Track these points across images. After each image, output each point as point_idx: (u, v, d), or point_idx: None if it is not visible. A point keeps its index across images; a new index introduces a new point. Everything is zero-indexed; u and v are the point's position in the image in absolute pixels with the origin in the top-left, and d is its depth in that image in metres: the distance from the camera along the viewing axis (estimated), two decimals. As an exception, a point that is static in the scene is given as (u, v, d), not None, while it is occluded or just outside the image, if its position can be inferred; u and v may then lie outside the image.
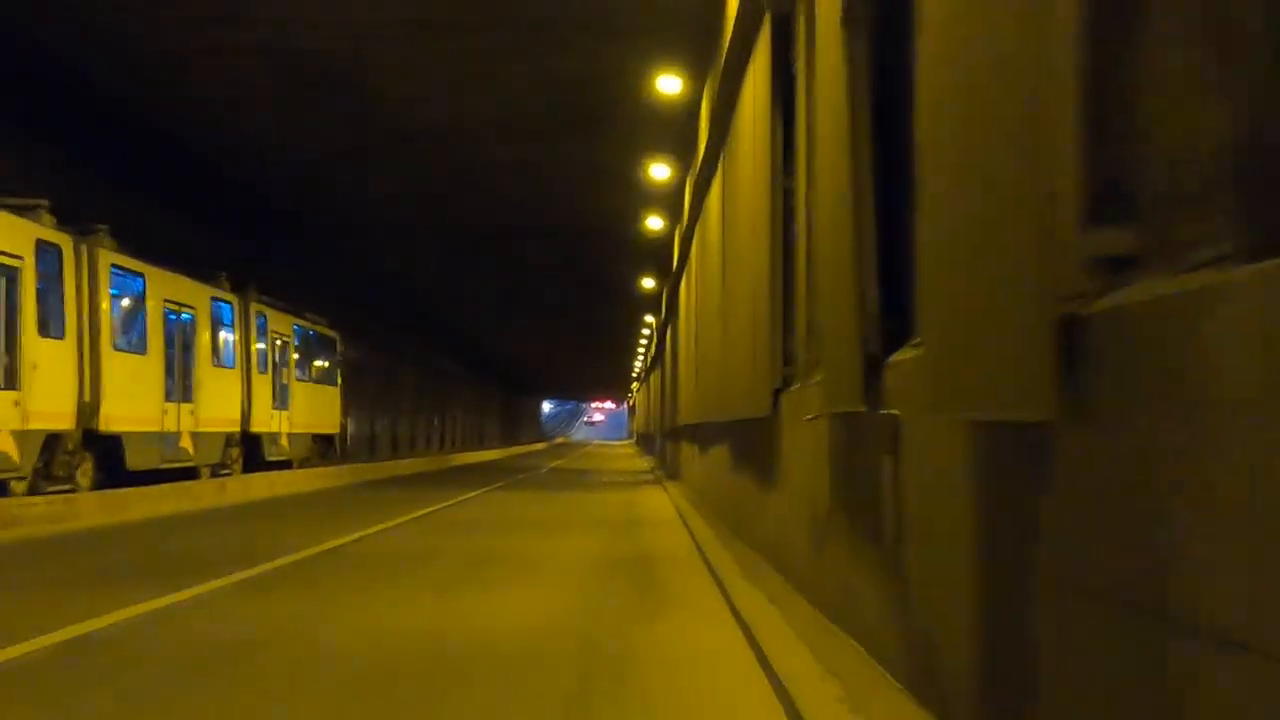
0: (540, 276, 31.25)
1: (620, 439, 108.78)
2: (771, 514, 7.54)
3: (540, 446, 75.50)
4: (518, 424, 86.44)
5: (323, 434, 25.12)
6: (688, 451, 19.71)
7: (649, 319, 37.82)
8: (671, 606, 6.63)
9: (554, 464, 39.36)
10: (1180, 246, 1.91)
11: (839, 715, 3.51)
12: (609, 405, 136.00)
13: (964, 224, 2.91)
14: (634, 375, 67.71)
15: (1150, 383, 1.96)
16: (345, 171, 20.00)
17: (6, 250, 12.19)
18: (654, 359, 40.37)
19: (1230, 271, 1.70)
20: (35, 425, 12.66)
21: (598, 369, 69.75)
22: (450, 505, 15.97)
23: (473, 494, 18.80)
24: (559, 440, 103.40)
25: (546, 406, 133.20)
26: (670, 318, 26.62)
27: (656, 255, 26.03)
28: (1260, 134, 1.70)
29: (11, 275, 12.29)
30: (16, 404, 12.24)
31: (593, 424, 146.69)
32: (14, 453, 12.25)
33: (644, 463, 38.89)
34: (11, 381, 12.20)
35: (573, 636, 5.52)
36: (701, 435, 15.60)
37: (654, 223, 22.74)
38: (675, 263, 22.28)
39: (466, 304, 38.69)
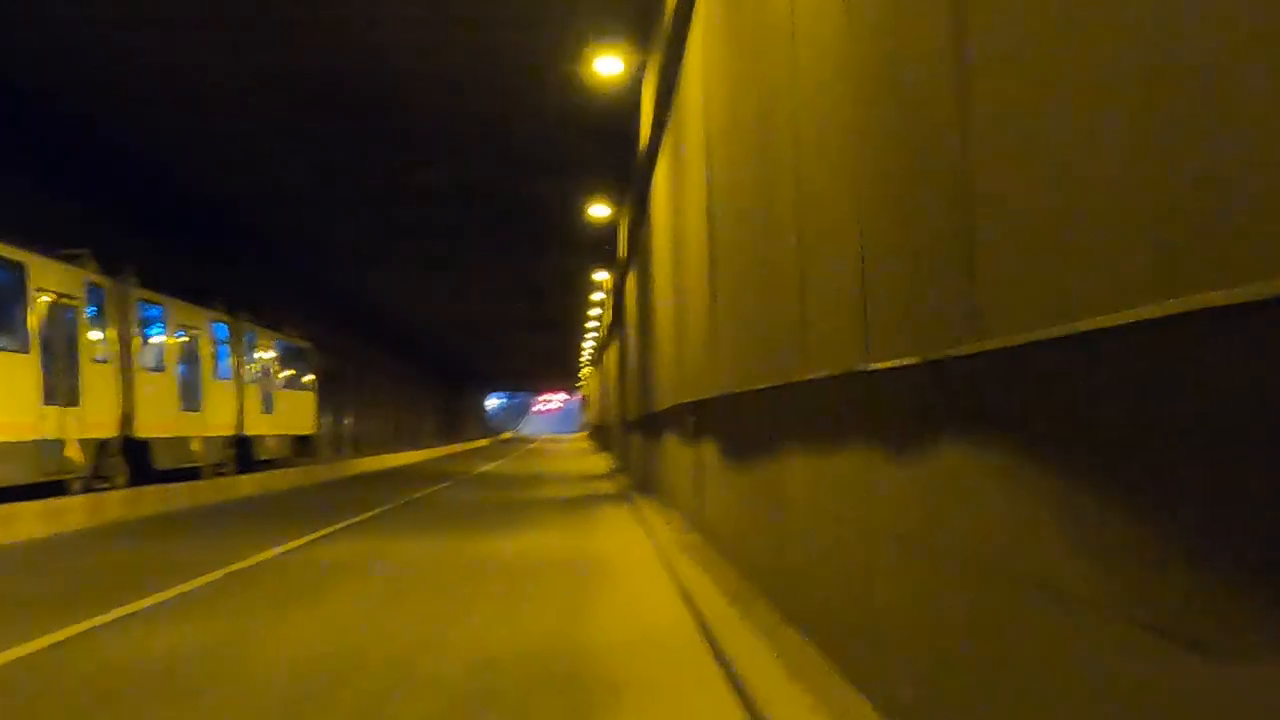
0: (464, 243, 27.57)
1: (572, 432, 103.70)
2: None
3: (482, 443, 69.51)
4: (460, 419, 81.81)
5: (301, 435, 28.23)
6: (676, 453, 11.71)
7: (601, 278, 29.76)
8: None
9: (487, 467, 32.39)
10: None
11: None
12: (560, 397, 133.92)
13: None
14: (584, 359, 61.44)
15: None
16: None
17: (67, 293, 15.30)
18: (610, 326, 32.73)
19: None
20: (92, 434, 15.81)
21: (544, 355, 63.81)
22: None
23: (289, 547, 10.75)
24: (505, 435, 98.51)
25: (495, 401, 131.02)
26: (635, 262, 19.41)
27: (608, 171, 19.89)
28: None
29: (71, 313, 15.41)
30: (78, 418, 15.36)
31: (544, 414, 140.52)
32: (78, 457, 15.38)
33: (600, 462, 32.81)
34: (74, 399, 15.32)
35: None
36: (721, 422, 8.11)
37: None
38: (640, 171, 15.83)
39: (387, 283, 34.77)
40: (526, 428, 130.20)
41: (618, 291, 25.90)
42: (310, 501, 18.93)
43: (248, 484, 21.02)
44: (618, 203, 21.16)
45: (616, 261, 24.97)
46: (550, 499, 17.69)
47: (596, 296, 33.92)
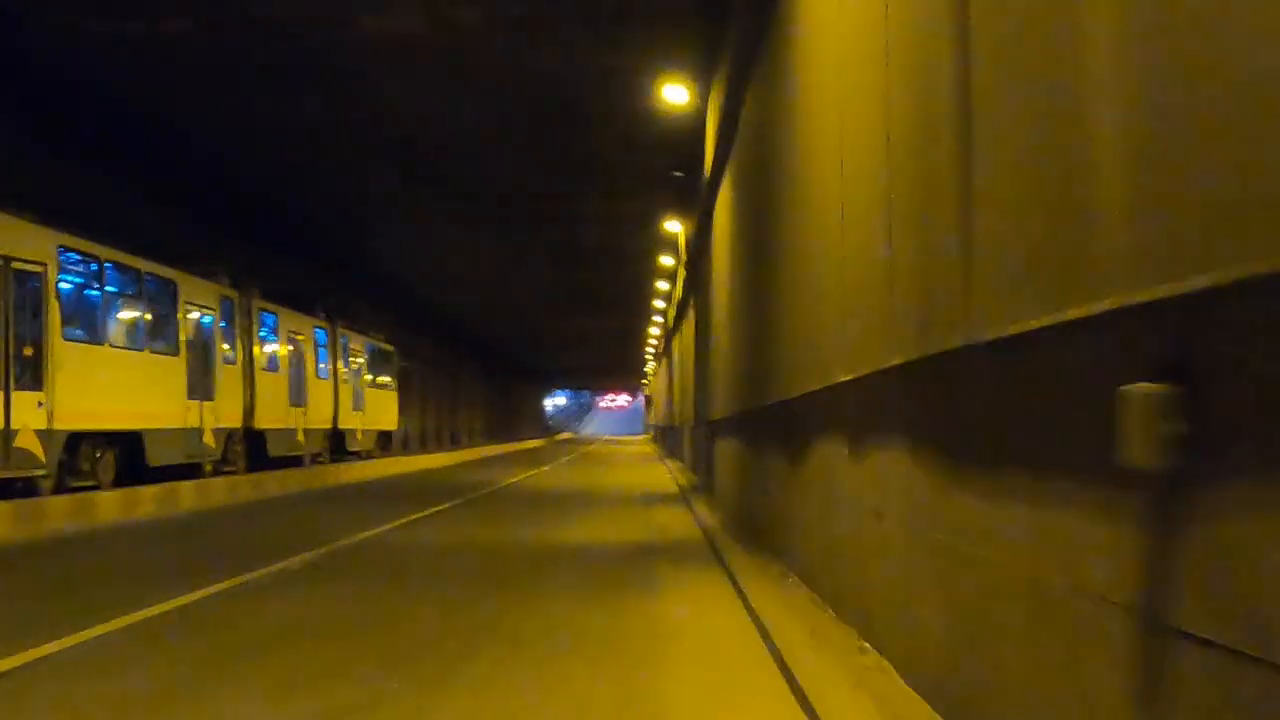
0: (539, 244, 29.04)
1: (636, 434, 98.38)
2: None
3: (535, 444, 61.64)
4: (514, 417, 77.28)
5: (385, 430, 31.35)
6: (839, 477, 5.75)
7: (673, 229, 24.52)
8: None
9: (522, 476, 25.87)
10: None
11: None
12: (624, 399, 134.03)
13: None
14: (649, 353, 57.61)
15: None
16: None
17: (206, 304, 18.37)
18: (684, 293, 27.02)
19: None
20: (222, 425, 18.88)
21: (605, 345, 60.20)
22: None
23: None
24: (563, 436, 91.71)
25: (559, 400, 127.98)
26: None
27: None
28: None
29: (209, 321, 18.48)
30: (213, 411, 18.42)
31: (610, 411, 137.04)
32: (212, 444, 18.45)
33: (665, 473, 26.71)
34: (210, 395, 18.37)
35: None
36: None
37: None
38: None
39: (449, 278, 35.78)
40: (587, 428, 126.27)
41: (699, 236, 19.63)
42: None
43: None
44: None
45: (699, 195, 18.00)
46: (587, 550, 10.53)
47: (666, 262, 29.24)
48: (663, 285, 33.81)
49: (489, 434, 61.03)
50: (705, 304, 18.94)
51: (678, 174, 20.73)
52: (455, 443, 49.86)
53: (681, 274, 26.97)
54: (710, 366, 17.73)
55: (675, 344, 35.62)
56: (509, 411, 75.07)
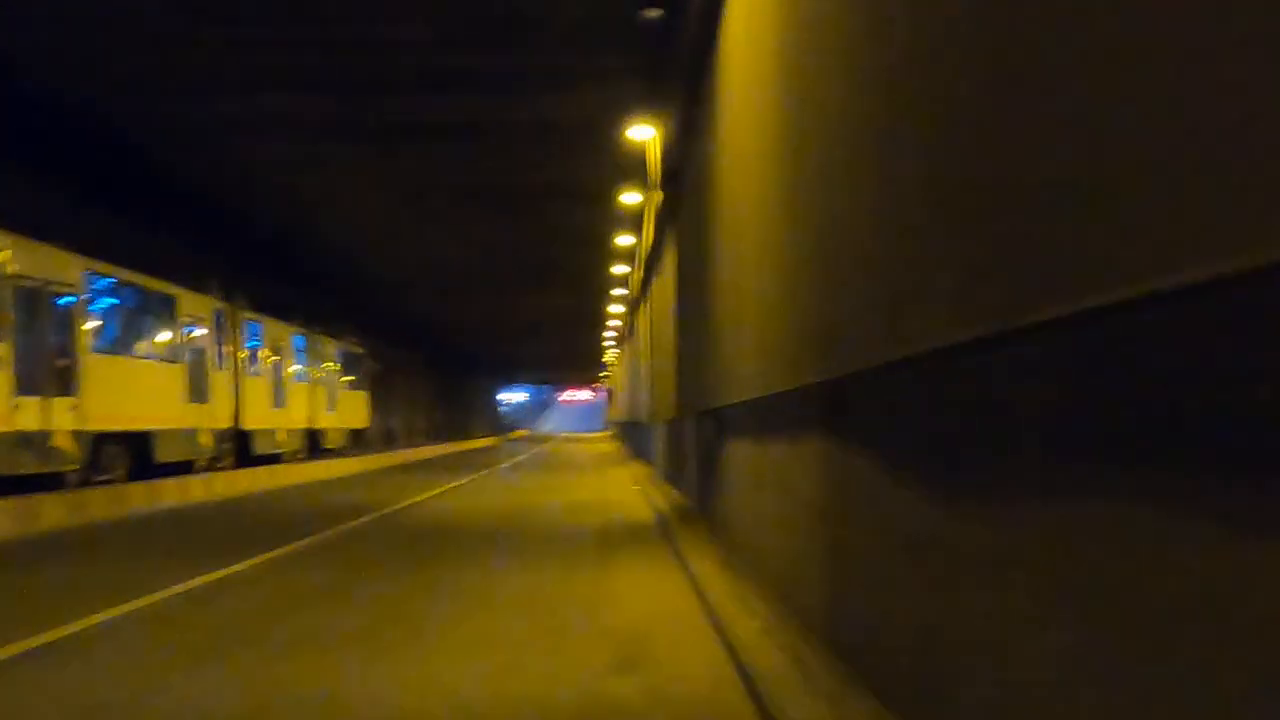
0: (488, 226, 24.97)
1: (596, 430, 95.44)
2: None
3: (485, 443, 59.15)
4: (464, 415, 71.30)
5: (357, 428, 33.64)
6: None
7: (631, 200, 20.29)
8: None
9: (444, 489, 20.65)
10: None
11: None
12: (584, 394, 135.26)
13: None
14: (610, 341, 51.79)
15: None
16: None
17: (201, 316, 20.63)
18: (656, 240, 20.28)
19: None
20: (216, 426, 21.16)
21: (561, 331, 52.74)
22: None
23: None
24: (518, 434, 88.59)
25: (519, 396, 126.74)
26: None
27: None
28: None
29: (203, 331, 20.75)
30: (208, 413, 20.70)
31: (569, 406, 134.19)
32: (208, 443, 20.73)
33: (631, 482, 21.24)
34: (205, 398, 20.63)
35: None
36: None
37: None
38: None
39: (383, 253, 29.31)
40: (545, 425, 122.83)
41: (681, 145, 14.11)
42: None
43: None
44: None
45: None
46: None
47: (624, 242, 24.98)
48: (625, 240, 24.92)
49: (434, 433, 55.90)
50: (699, 241, 11.36)
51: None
52: (390, 443, 42.95)
53: (652, 210, 18.83)
54: (711, 326, 10.32)
55: (642, 317, 27.78)
56: (459, 408, 69.05)
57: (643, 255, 24.03)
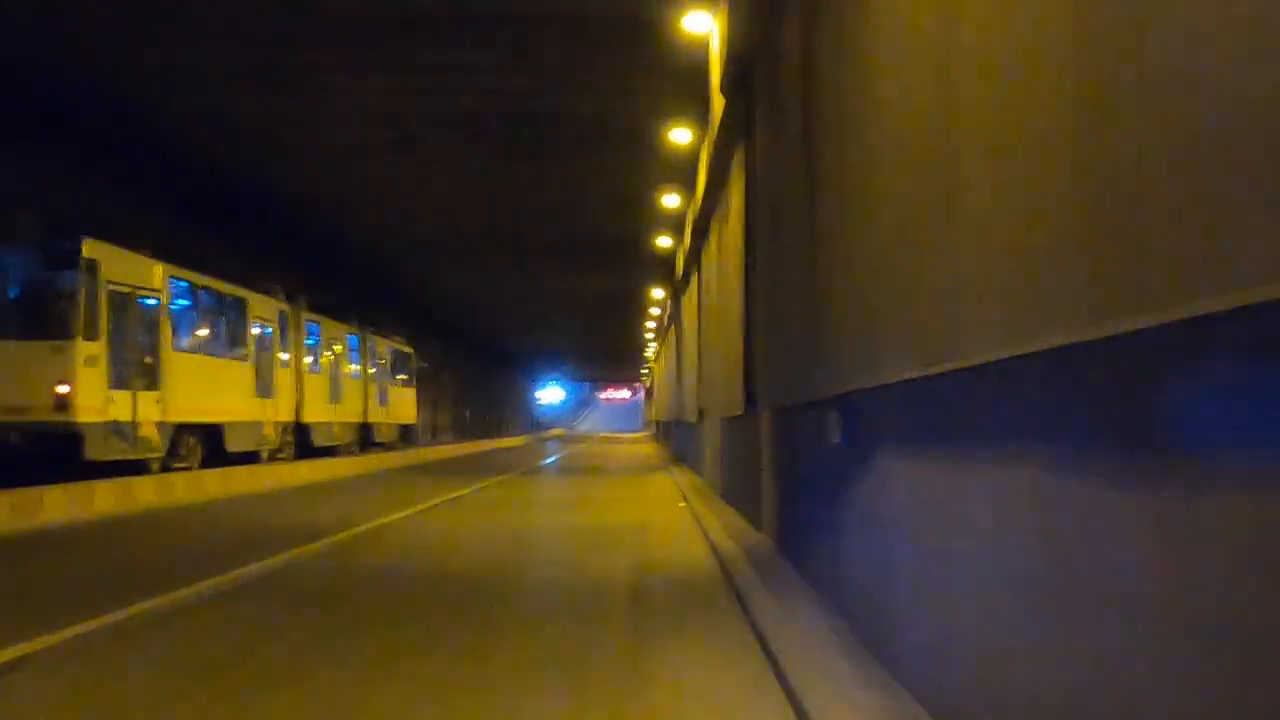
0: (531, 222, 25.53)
1: (633, 431, 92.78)
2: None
3: (514, 443, 54.08)
4: (497, 411, 67.76)
5: (405, 424, 35.35)
6: None
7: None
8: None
9: (425, 508, 15.39)
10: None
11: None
12: (624, 393, 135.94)
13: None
14: (650, 333, 49.15)
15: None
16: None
17: (267, 317, 22.30)
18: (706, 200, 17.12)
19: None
20: (280, 419, 22.82)
21: (605, 336, 53.47)
22: None
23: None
24: (553, 433, 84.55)
25: (558, 393, 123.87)
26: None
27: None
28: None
29: (270, 331, 22.41)
30: (273, 407, 22.36)
31: (612, 404, 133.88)
32: (272, 434, 22.39)
33: (679, 503, 15.39)
34: (270, 394, 22.30)
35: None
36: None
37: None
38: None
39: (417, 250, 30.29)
40: (583, 424, 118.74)
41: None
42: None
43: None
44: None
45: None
46: None
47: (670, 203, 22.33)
48: (671, 201, 22.32)
49: (460, 431, 52.56)
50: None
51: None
52: (410, 441, 37.35)
53: (711, 135, 14.95)
54: (841, 260, 6.05)
55: (689, 298, 24.83)
56: (489, 404, 64.22)
57: (692, 215, 20.04)
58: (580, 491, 20.38)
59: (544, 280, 35.84)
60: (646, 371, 69.30)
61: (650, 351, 55.58)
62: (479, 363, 59.49)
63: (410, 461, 30.74)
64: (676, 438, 32.37)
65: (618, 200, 23.66)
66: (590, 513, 14.90)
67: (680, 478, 20.85)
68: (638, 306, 42.04)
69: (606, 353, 69.23)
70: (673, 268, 28.86)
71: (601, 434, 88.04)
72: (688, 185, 20.60)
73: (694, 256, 22.02)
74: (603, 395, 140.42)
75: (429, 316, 42.78)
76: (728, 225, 14.26)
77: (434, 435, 46.37)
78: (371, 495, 18.09)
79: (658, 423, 53.12)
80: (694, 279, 22.34)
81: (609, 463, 32.29)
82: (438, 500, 16.59)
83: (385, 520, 13.25)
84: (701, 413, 19.85)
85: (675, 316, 31.77)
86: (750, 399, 11.12)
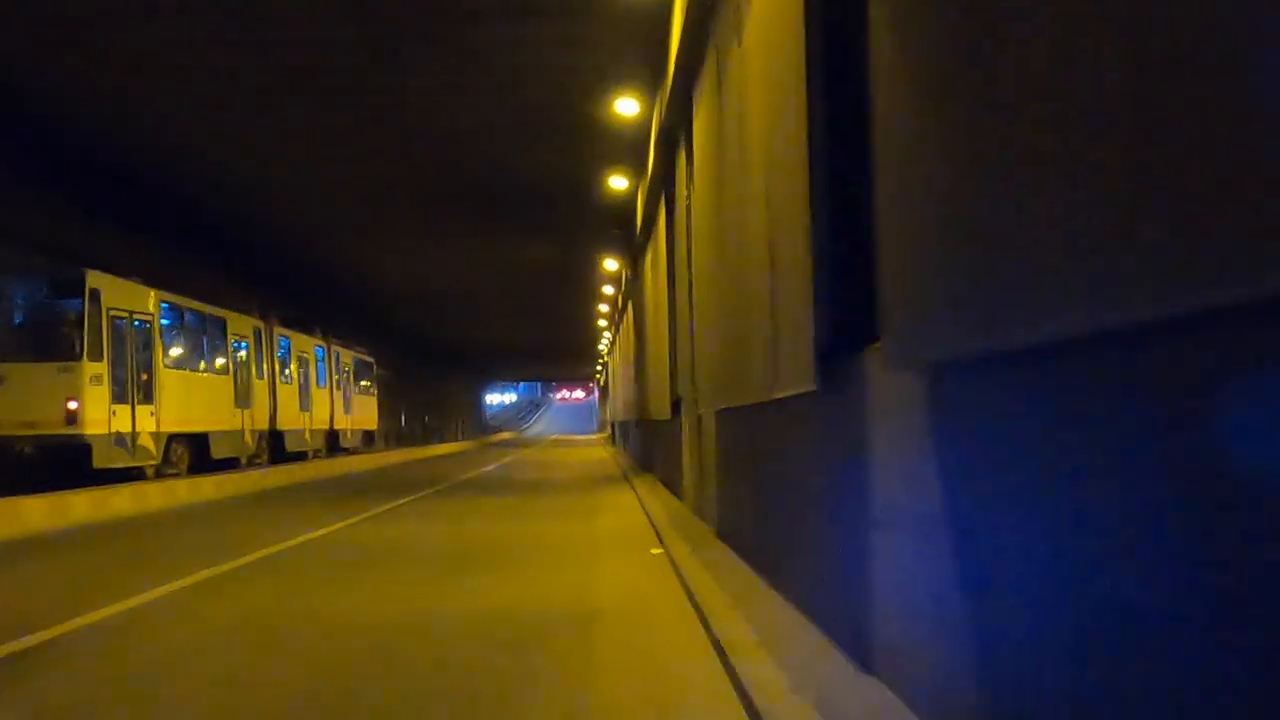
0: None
1: (587, 433, 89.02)
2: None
3: (455, 449, 50.57)
4: (441, 413, 64.16)
5: (368, 429, 37.31)
6: None
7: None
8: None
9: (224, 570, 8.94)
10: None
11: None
12: (578, 394, 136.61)
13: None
14: (604, 322, 42.57)
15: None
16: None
17: (244, 334, 24.27)
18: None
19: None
20: (256, 427, 24.80)
21: (555, 327, 48.72)
22: None
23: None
24: (500, 436, 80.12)
25: (510, 396, 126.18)
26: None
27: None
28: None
29: (246, 347, 24.39)
30: (251, 417, 24.33)
31: (566, 404, 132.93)
32: (251, 442, 24.37)
33: (642, 528, 11.28)
34: (248, 404, 24.26)
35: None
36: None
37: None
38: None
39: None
40: (535, 426, 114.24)
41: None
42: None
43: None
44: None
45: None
46: None
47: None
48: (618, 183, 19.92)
49: (395, 437, 49.33)
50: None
51: None
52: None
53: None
54: None
55: (649, 262, 19.06)
56: (431, 408, 60.81)
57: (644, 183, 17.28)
58: (503, 525, 13.20)
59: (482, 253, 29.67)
60: (601, 369, 65.08)
61: (604, 343, 50.46)
62: (418, 365, 55.06)
63: (308, 476, 25.28)
64: (639, 441, 26.64)
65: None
66: (503, 579, 8.39)
67: (647, 496, 15.07)
68: (587, 284, 34.54)
69: (558, 350, 64.37)
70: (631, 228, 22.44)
71: (552, 436, 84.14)
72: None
73: (648, 226, 18.71)
74: (557, 396, 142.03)
75: (362, 318, 39.08)
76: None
77: (386, 441, 43.94)
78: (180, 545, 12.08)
79: (614, 424, 48.43)
80: (660, 215, 16.69)
81: (557, 473, 26.33)
82: (274, 549, 10.37)
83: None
84: (678, 405, 13.50)
85: (634, 289, 24.83)
86: (831, 355, 4.64)
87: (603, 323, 42.77)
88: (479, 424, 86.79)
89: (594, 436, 75.13)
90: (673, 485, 14.54)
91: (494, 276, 33.80)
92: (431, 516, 14.51)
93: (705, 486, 10.48)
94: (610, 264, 28.45)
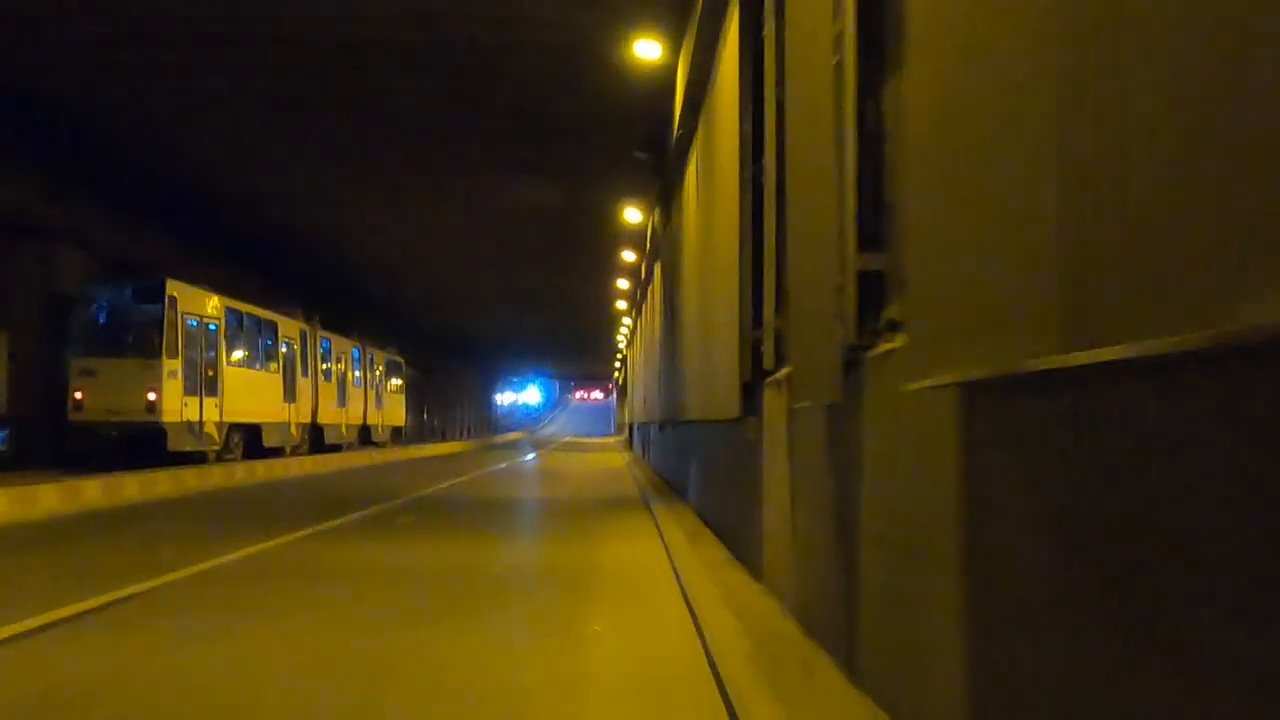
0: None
1: (603, 435, 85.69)
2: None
3: (452, 449, 46.18)
4: (445, 413, 60.99)
5: (396, 426, 40.19)
6: None
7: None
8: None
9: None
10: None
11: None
12: (597, 394, 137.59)
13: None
14: (624, 303, 35.82)
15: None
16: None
17: (291, 336, 27.11)
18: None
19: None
20: (300, 420, 27.64)
21: (570, 325, 46.91)
22: None
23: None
24: (508, 437, 75.88)
25: (528, 395, 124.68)
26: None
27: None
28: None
29: (292, 347, 27.22)
30: (295, 410, 27.16)
31: (584, 404, 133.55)
32: (296, 433, 27.20)
33: (689, 648, 5.28)
34: (294, 399, 27.08)
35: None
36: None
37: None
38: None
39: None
40: (550, 426, 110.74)
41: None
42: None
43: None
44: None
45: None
46: None
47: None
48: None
49: (418, 433, 48.67)
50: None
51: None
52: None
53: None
54: None
55: (691, 170, 13.03)
56: (435, 406, 57.35)
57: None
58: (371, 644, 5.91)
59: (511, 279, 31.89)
60: (620, 364, 59.21)
61: (622, 333, 45.75)
62: (422, 360, 49.12)
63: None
64: (664, 451, 19.30)
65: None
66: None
67: (682, 552, 9.08)
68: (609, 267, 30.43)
69: (575, 350, 62.29)
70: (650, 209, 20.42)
71: (566, 437, 79.43)
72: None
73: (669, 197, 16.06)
74: (575, 396, 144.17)
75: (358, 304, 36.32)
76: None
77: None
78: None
79: (632, 426, 43.47)
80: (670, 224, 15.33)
81: (562, 489, 20.90)
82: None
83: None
84: (755, 392, 7.36)
85: (666, 239, 17.41)
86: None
87: (622, 304, 37.14)
88: (490, 423, 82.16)
89: (611, 439, 71.39)
90: (735, 538, 8.56)
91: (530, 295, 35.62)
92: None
93: (810, 546, 5.23)
94: (632, 214, 21.92)
